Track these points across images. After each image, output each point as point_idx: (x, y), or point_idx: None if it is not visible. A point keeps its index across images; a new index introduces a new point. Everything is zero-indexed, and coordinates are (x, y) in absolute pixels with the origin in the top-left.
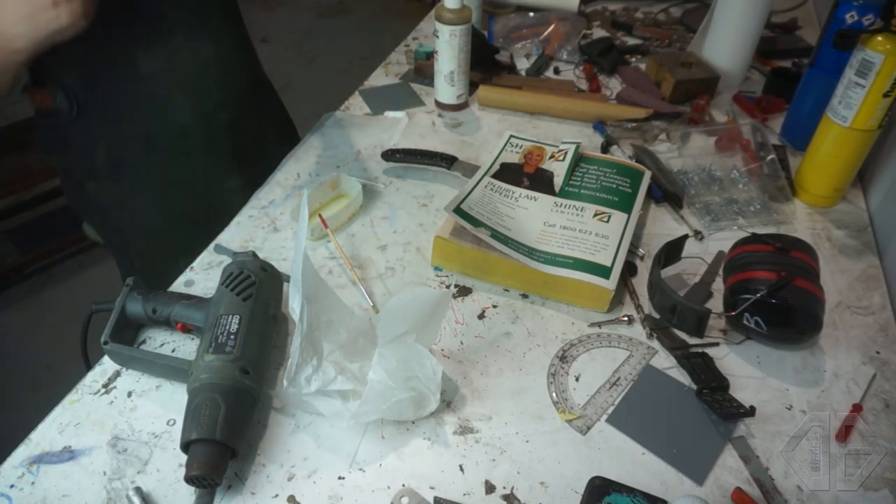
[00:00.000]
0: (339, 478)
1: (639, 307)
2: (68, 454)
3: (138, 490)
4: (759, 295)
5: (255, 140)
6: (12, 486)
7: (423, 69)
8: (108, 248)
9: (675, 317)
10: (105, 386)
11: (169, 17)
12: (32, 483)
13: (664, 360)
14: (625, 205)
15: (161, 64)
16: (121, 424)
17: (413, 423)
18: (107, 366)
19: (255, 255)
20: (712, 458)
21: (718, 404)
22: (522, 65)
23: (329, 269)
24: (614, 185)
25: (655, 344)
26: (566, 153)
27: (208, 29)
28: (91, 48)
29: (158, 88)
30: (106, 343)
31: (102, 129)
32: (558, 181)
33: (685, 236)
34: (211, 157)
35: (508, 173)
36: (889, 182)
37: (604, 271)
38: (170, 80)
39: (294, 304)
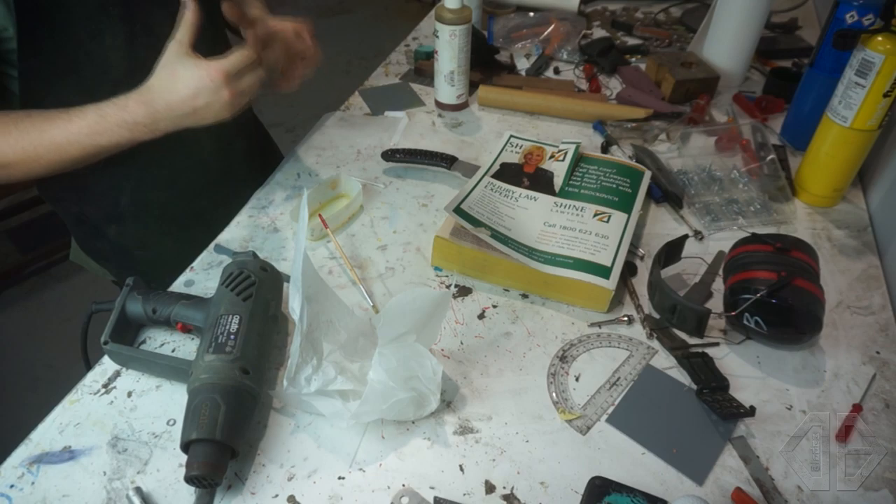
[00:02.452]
0: (339, 478)
1: (639, 307)
2: (68, 454)
3: (138, 490)
4: (759, 295)
5: (263, 165)
6: (12, 486)
7: (423, 69)
8: (118, 284)
9: (675, 317)
10: (105, 386)
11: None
12: (32, 483)
13: (664, 360)
14: (625, 205)
15: None
16: (121, 424)
17: (413, 423)
18: (107, 366)
19: (255, 255)
20: (712, 458)
21: (718, 404)
22: (522, 65)
23: (329, 269)
24: (614, 185)
25: (655, 344)
26: (566, 153)
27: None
28: (118, 93)
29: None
30: (106, 343)
31: (129, 174)
32: (558, 181)
33: (685, 236)
34: (229, 187)
35: (508, 173)
36: (889, 182)
37: (604, 271)
38: None
39: (294, 304)
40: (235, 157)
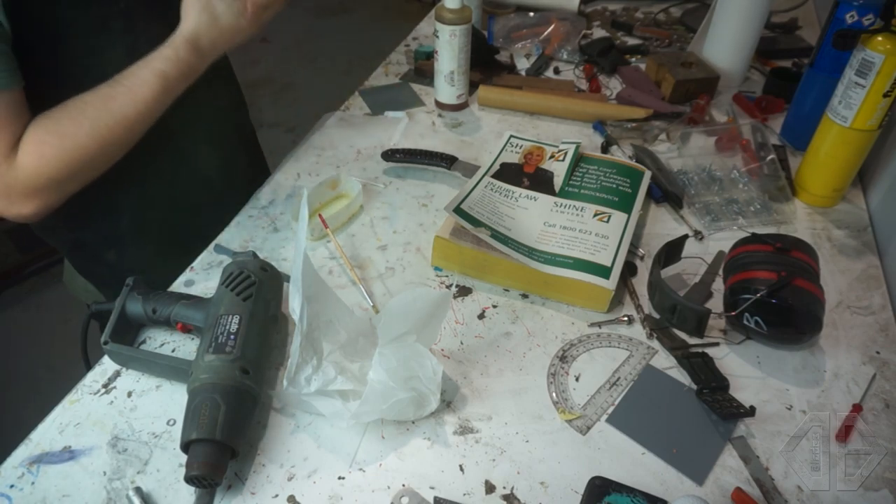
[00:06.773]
0: (339, 478)
1: (639, 307)
2: (68, 454)
3: (138, 490)
4: (759, 295)
5: (260, 179)
6: (12, 486)
7: (423, 69)
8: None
9: (675, 317)
10: (105, 386)
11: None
12: (32, 483)
13: (664, 360)
14: (625, 205)
15: (189, 118)
16: (121, 424)
17: (413, 423)
18: (107, 366)
19: (255, 255)
20: (712, 458)
21: (718, 404)
22: (522, 65)
23: (329, 269)
24: (614, 185)
25: (655, 344)
26: (566, 153)
27: (222, 73)
28: None
29: (184, 143)
30: (106, 343)
31: (129, 193)
32: (558, 181)
33: (685, 236)
34: (230, 203)
35: (508, 173)
36: (889, 182)
37: (604, 271)
38: (195, 132)
39: (294, 304)
40: (236, 173)
